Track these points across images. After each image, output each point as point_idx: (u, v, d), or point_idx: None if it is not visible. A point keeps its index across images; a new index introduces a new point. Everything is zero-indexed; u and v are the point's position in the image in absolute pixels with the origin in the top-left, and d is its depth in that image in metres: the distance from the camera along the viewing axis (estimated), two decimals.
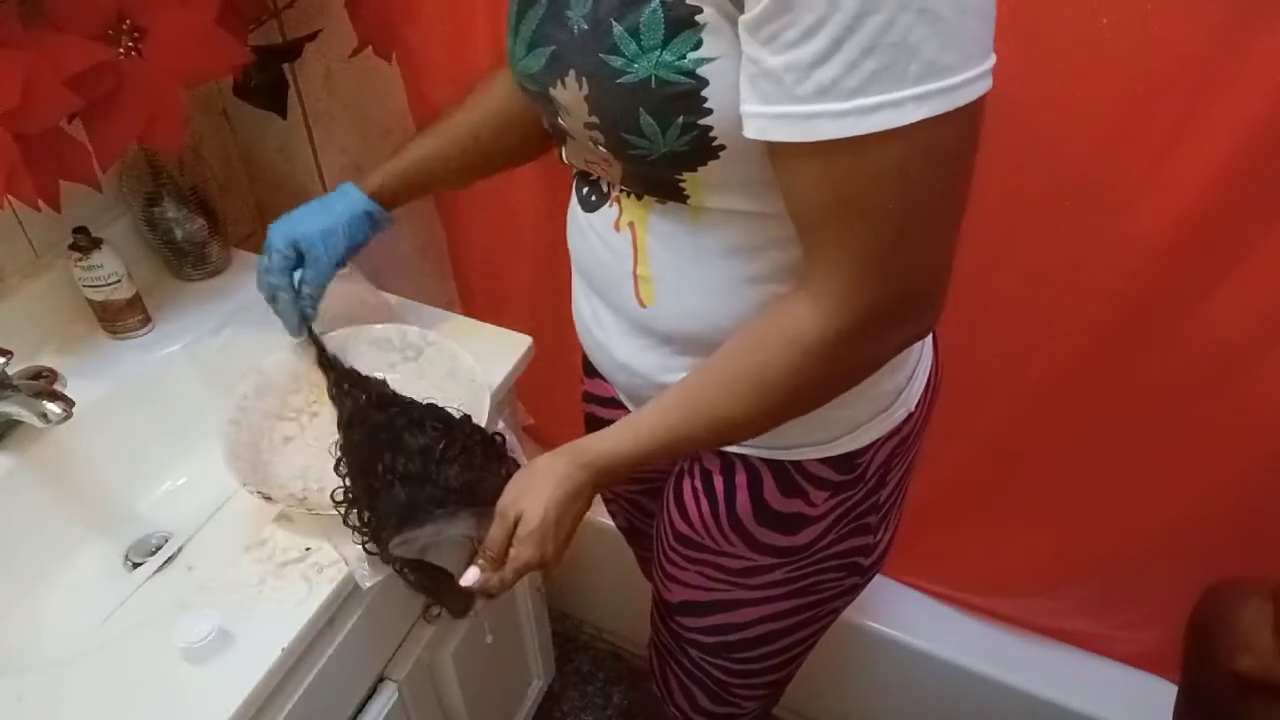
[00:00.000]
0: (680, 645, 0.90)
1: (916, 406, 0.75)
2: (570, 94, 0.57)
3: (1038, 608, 1.24)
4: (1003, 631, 1.28)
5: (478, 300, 1.40)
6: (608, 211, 0.68)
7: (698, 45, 0.50)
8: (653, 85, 0.52)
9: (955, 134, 0.48)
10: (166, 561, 0.90)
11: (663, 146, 0.55)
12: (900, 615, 1.30)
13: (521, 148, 0.84)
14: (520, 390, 1.08)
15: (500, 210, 1.24)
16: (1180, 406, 0.98)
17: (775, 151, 0.51)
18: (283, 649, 0.70)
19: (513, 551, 0.67)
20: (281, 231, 0.85)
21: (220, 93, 1.13)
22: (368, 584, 0.77)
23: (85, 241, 0.94)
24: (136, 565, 0.91)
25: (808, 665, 1.45)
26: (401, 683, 0.93)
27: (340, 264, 0.86)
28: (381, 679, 0.93)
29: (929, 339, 0.78)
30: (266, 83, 1.07)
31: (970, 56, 0.46)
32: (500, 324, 1.03)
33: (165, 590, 0.87)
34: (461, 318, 1.04)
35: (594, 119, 0.57)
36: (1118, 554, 1.12)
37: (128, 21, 0.84)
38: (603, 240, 0.69)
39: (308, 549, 0.78)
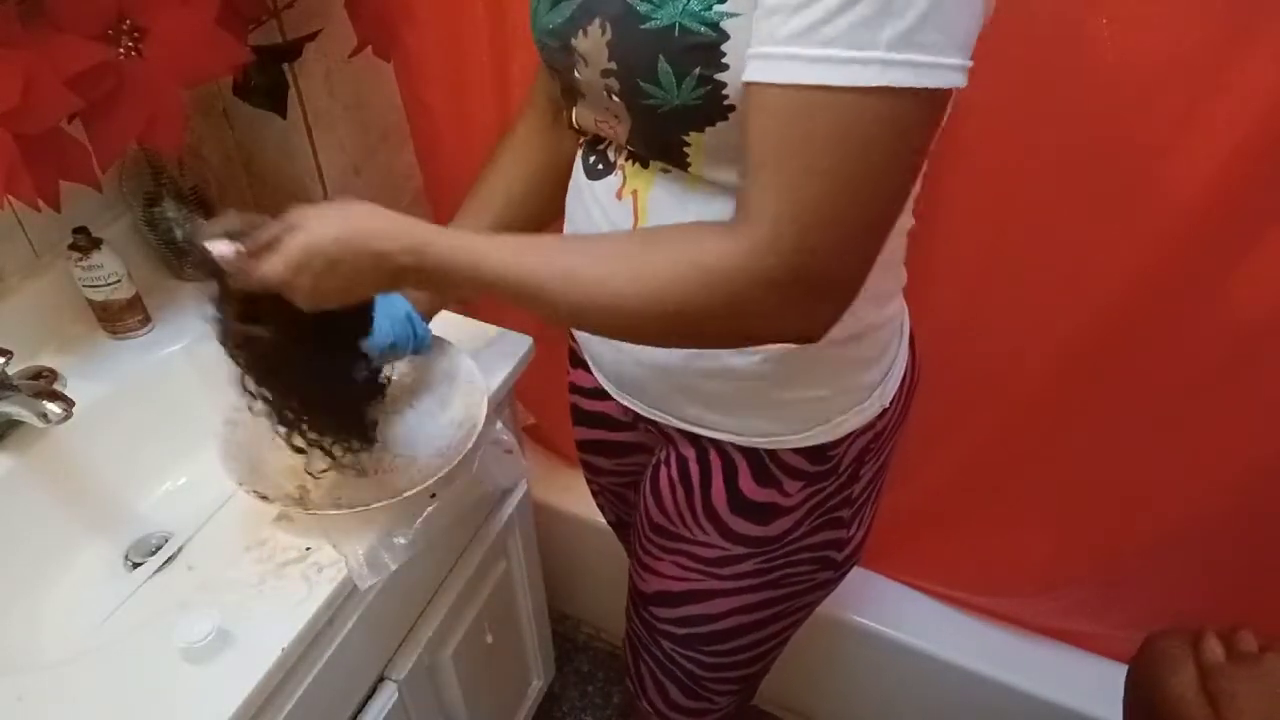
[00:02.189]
0: (654, 637, 0.90)
1: (891, 402, 0.76)
2: (592, 41, 0.58)
3: (1038, 608, 1.24)
4: (1003, 631, 1.28)
5: (477, 300, 1.40)
6: (612, 180, 0.68)
7: None
8: (675, 33, 0.53)
9: (911, 116, 0.48)
10: (166, 561, 0.90)
11: (676, 98, 0.55)
12: (900, 615, 1.30)
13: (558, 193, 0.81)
14: (520, 390, 1.08)
15: None
16: (1179, 407, 0.98)
17: (749, 93, 0.51)
18: (283, 649, 0.70)
19: (269, 254, 0.61)
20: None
21: (220, 93, 1.13)
22: (366, 584, 0.77)
23: (85, 241, 0.94)
24: (136, 565, 0.91)
25: (807, 664, 1.46)
26: (401, 683, 0.93)
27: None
28: (381, 679, 0.93)
29: (906, 337, 0.78)
30: (266, 83, 1.07)
31: (945, 45, 0.46)
32: (500, 324, 1.03)
33: (165, 590, 0.87)
34: (461, 318, 1.04)
35: (612, 65, 0.57)
36: (1117, 554, 1.12)
37: (128, 21, 0.84)
38: (603, 209, 0.69)
39: (308, 549, 0.78)
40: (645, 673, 0.95)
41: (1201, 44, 0.78)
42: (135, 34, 0.84)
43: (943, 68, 0.47)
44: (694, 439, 0.77)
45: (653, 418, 0.78)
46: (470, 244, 0.59)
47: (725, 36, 0.52)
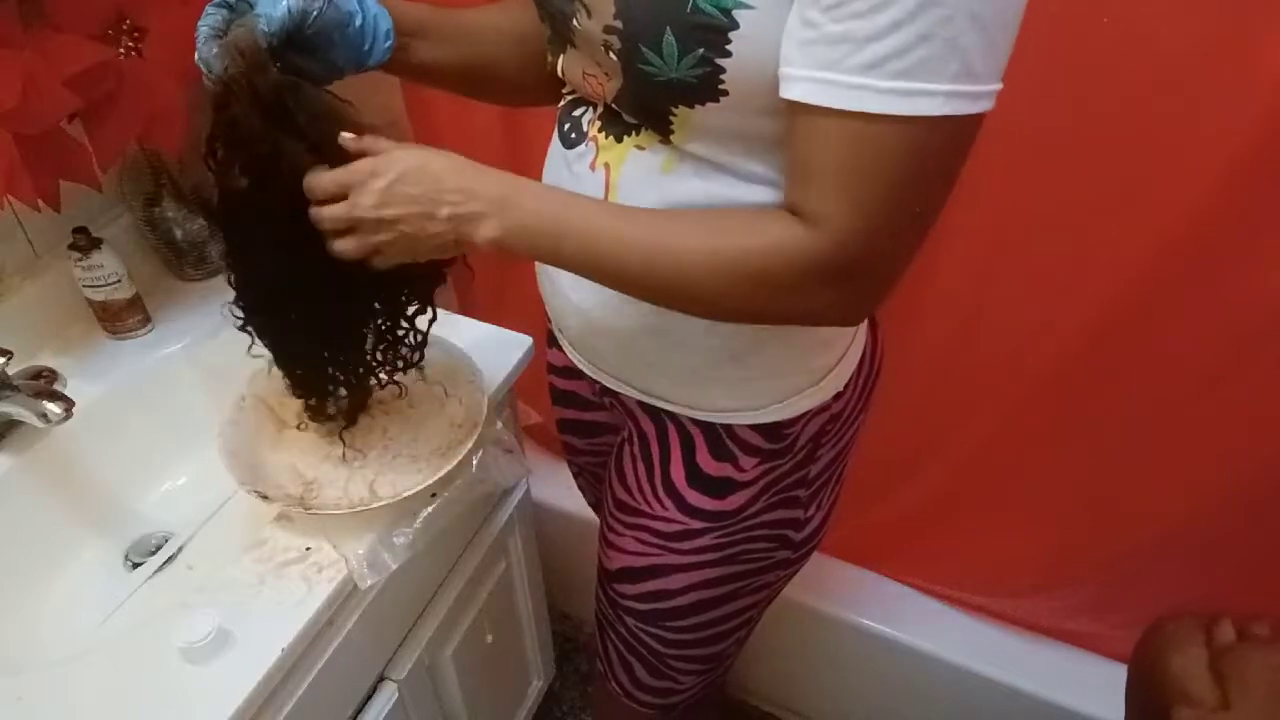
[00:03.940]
0: (618, 614, 0.91)
1: (846, 387, 0.77)
2: None
3: (1038, 608, 1.24)
4: (1003, 631, 1.28)
5: (478, 300, 1.40)
6: (583, 149, 0.69)
7: None
8: (689, 9, 0.53)
9: (962, 136, 0.53)
10: (166, 561, 0.90)
11: (673, 72, 0.56)
12: (900, 615, 1.30)
13: (532, 77, 0.78)
14: (521, 390, 1.08)
15: None
16: (1179, 406, 0.98)
17: (800, 109, 0.53)
18: (283, 649, 0.70)
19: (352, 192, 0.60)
20: None
21: None
22: (367, 583, 0.77)
23: (85, 241, 0.94)
24: (136, 565, 0.91)
25: (807, 664, 1.45)
26: (401, 683, 0.93)
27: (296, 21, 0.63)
28: (381, 679, 0.93)
29: (864, 325, 0.80)
30: None
31: (994, 73, 0.51)
32: (500, 324, 1.04)
33: (165, 590, 0.87)
34: (461, 318, 1.04)
35: (618, 24, 0.58)
36: (1117, 554, 1.12)
37: (128, 21, 0.84)
38: (575, 178, 0.70)
39: (308, 549, 0.78)
40: (612, 651, 0.95)
41: (1200, 44, 0.78)
42: (135, 34, 0.84)
43: (988, 95, 0.51)
44: (654, 414, 0.79)
45: (616, 389, 0.79)
46: (554, 192, 0.61)
47: (735, 25, 0.53)
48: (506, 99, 0.83)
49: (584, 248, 0.59)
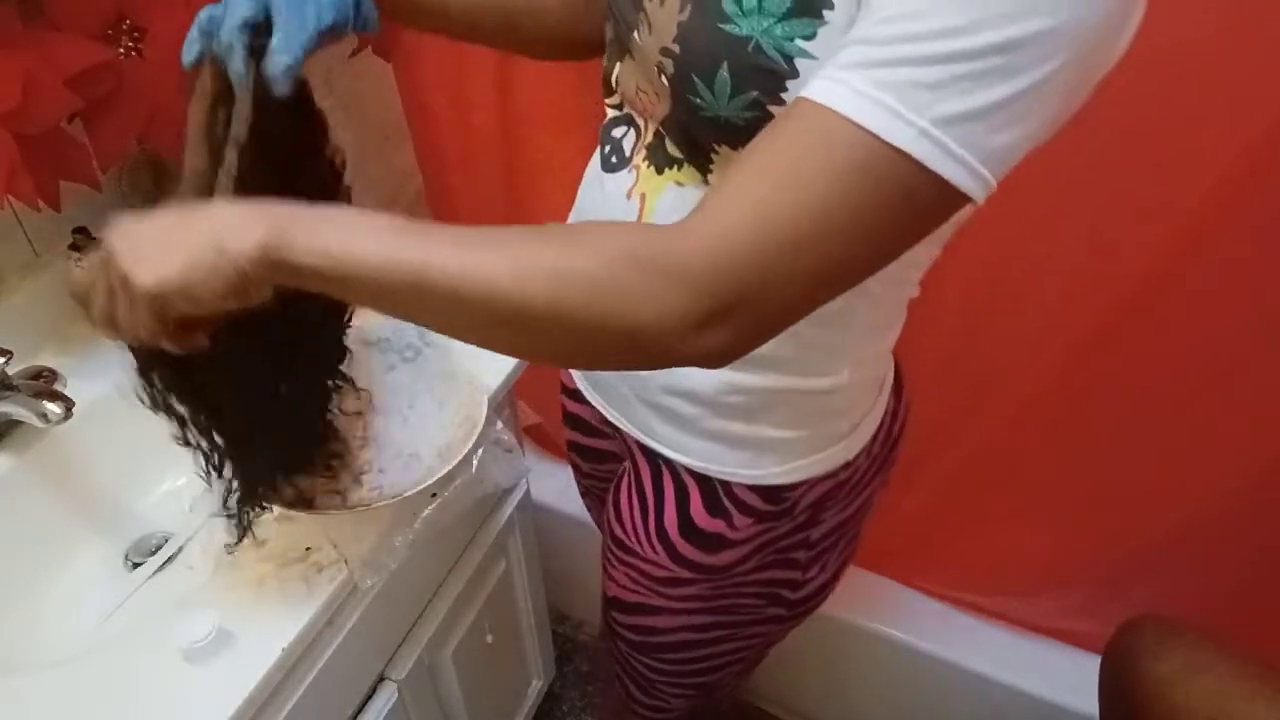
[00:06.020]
0: (614, 637, 0.92)
1: (856, 457, 0.73)
2: (667, 13, 0.55)
3: (1039, 608, 1.24)
4: (1004, 631, 1.28)
5: None
6: (624, 176, 0.67)
7: (811, 36, 0.49)
8: (749, 49, 0.50)
9: (919, 197, 0.44)
10: (166, 561, 0.90)
11: (721, 109, 0.53)
12: (900, 615, 1.30)
13: (545, 37, 0.76)
14: (521, 390, 1.08)
15: (500, 212, 1.24)
16: (1181, 407, 0.98)
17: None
18: (283, 649, 0.70)
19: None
20: None
21: None
22: (366, 584, 0.77)
23: (85, 241, 0.94)
24: (136, 565, 0.91)
25: (808, 665, 1.45)
26: (401, 683, 0.93)
27: (318, 37, 0.62)
28: (381, 679, 0.93)
29: (886, 391, 0.76)
30: None
31: (987, 151, 0.43)
32: None
33: (165, 590, 0.87)
34: None
35: (675, 48, 0.55)
36: (1117, 554, 1.12)
37: (128, 21, 0.84)
38: (610, 205, 0.68)
39: (308, 549, 0.78)
40: (615, 663, 0.96)
41: (1205, 42, 0.77)
42: (135, 34, 0.84)
43: (972, 170, 0.43)
44: (651, 457, 0.77)
45: (616, 424, 0.78)
46: (326, 209, 0.49)
47: (795, 73, 0.50)
48: (543, 48, 0.78)
49: (380, 260, 0.46)
